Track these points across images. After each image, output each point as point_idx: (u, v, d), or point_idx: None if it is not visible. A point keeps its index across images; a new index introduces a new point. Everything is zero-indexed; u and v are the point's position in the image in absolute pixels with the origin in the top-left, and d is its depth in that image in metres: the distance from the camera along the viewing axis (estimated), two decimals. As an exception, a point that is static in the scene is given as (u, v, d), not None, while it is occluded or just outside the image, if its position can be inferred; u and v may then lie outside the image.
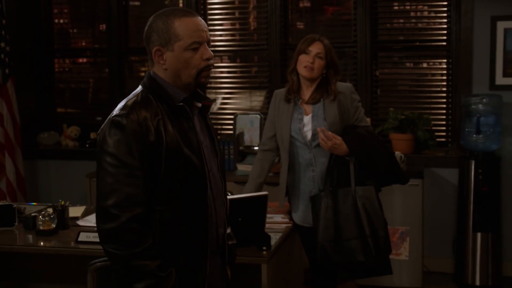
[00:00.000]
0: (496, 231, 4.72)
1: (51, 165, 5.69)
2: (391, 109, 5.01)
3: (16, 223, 3.42)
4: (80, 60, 6.03)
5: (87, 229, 3.27)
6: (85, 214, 3.63)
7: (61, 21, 5.99)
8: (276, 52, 5.29)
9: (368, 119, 3.74)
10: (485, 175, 4.65)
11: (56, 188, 5.64)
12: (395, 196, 4.59)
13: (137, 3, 5.77)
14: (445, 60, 5.10)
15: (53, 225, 3.31)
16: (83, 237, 3.16)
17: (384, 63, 5.28)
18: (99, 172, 2.12)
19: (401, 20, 5.30)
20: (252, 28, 5.52)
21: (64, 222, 3.38)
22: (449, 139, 5.10)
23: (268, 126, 3.63)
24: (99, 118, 5.81)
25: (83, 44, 5.98)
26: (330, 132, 3.33)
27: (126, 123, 2.09)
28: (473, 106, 4.69)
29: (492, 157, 4.72)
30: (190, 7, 5.36)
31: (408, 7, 5.25)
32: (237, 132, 5.23)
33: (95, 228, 3.10)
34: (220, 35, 5.49)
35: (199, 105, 2.29)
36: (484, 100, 4.68)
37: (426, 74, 5.22)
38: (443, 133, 5.12)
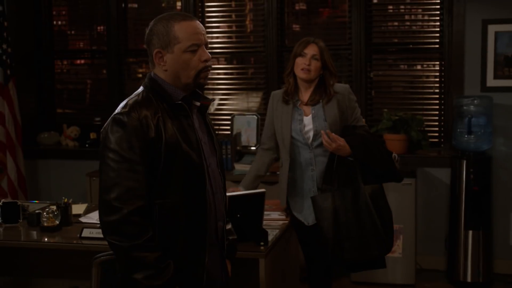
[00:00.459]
0: (487, 229, 4.80)
1: (51, 165, 5.77)
2: (385, 110, 5.08)
3: (21, 220, 3.50)
4: (80, 62, 6.10)
5: (90, 226, 3.35)
6: (87, 211, 3.71)
7: (61, 23, 6.06)
8: (273, 54, 5.38)
9: (363, 120, 3.82)
10: (477, 175, 4.73)
11: (56, 187, 5.71)
12: (389, 195, 4.60)
13: (134, 6, 5.85)
14: (437, 62, 5.18)
15: (57, 222, 3.38)
16: (86, 233, 3.23)
17: (378, 65, 5.36)
18: (102, 167, 2.21)
19: (395, 23, 5.36)
20: (248, 30, 5.60)
21: (68, 219, 3.45)
22: (442, 139, 5.18)
23: (267, 126, 3.70)
24: (97, 119, 5.89)
25: (83, 45, 6.04)
26: (334, 134, 3.40)
27: (127, 121, 2.19)
28: (464, 107, 4.77)
29: (483, 157, 4.80)
30: (188, 9, 5.45)
31: (402, 11, 5.33)
32: (234, 133, 5.32)
33: (98, 225, 3.22)
34: (217, 37, 5.57)
35: (198, 104, 2.38)
36: (476, 101, 4.75)
37: (419, 76, 5.30)
38: (436, 134, 5.20)
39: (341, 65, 5.27)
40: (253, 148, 5.35)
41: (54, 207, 3.45)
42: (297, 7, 5.50)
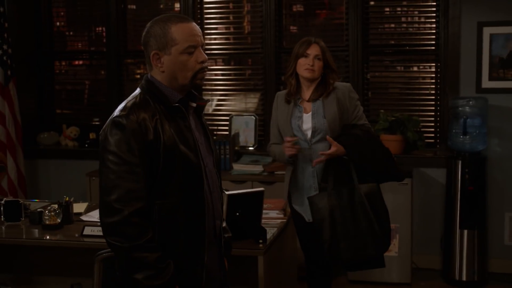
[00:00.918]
0: (482, 228, 4.84)
1: (51, 165, 5.80)
2: (382, 111, 5.12)
3: (23, 218, 3.54)
4: (79, 62, 6.14)
5: (91, 224, 3.40)
6: (88, 210, 3.76)
7: (61, 24, 6.10)
8: (271, 55, 5.42)
9: (365, 119, 3.81)
10: (472, 175, 4.77)
11: (56, 187, 5.74)
12: (385, 194, 4.60)
13: (133, 7, 5.88)
14: (433, 64, 5.22)
15: (59, 220, 3.43)
16: (87, 231, 3.29)
17: (375, 66, 5.40)
18: (102, 169, 2.25)
19: (392, 25, 5.40)
20: (246, 31, 5.65)
21: (69, 217, 3.51)
22: (437, 140, 5.22)
23: (273, 126, 3.79)
24: (96, 120, 5.94)
25: (82, 46, 6.07)
26: (330, 151, 3.48)
27: (126, 123, 2.22)
28: (460, 108, 4.81)
29: (478, 157, 4.84)
30: (187, 10, 5.49)
31: (398, 13, 5.38)
32: (232, 133, 5.37)
33: (99, 223, 3.27)
34: (215, 39, 5.62)
35: (194, 105, 2.42)
36: (471, 102, 4.79)
37: (415, 77, 5.34)
38: (432, 134, 5.25)
39: (338, 66, 5.27)
40: (251, 148, 5.40)
41: (56, 206, 3.50)
42: (294, 9, 5.54)
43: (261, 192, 3.24)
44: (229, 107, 5.64)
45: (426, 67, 5.33)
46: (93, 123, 5.95)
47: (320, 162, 3.52)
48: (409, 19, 5.38)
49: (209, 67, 2.45)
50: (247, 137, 5.43)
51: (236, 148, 5.33)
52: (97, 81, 6.01)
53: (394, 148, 4.89)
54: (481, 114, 4.82)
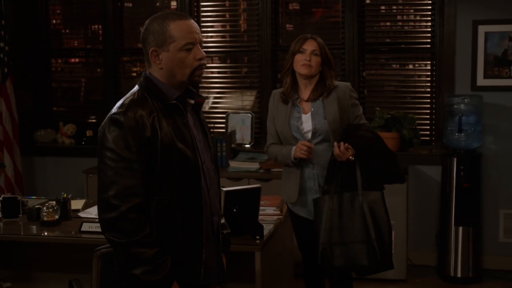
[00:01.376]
0: (477, 225, 4.87)
1: (48, 162, 5.82)
2: (377, 108, 5.13)
3: (21, 215, 3.56)
4: (76, 60, 6.15)
5: (89, 220, 3.42)
6: (86, 206, 3.78)
7: (57, 21, 6.10)
8: (267, 53, 5.44)
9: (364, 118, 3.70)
10: (467, 172, 4.80)
11: (53, 184, 5.76)
12: None
13: (129, 5, 5.89)
14: (429, 62, 5.25)
15: (57, 216, 3.46)
16: (85, 227, 3.31)
17: (371, 64, 5.42)
18: (100, 166, 2.27)
19: (388, 23, 5.43)
20: (242, 30, 5.67)
21: (67, 214, 3.53)
22: (433, 138, 5.25)
23: (270, 125, 3.63)
24: (93, 117, 5.95)
25: (78, 44, 6.08)
26: (345, 145, 3.30)
27: (124, 120, 2.24)
28: (455, 106, 4.83)
29: (473, 154, 4.86)
30: (183, 8, 5.51)
31: (394, 11, 5.41)
32: (229, 130, 5.39)
33: (96, 219, 3.29)
34: (211, 37, 5.63)
35: (192, 102, 2.44)
36: (466, 100, 4.82)
37: (411, 75, 5.36)
38: (427, 132, 5.28)
39: (334, 64, 5.31)
40: (247, 145, 5.43)
41: (54, 202, 3.52)
42: (290, 7, 5.56)
43: (258, 189, 3.27)
44: (225, 104, 5.66)
45: (421, 65, 5.36)
46: (90, 120, 5.97)
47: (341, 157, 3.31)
48: (404, 17, 5.40)
49: (206, 65, 2.47)
50: (244, 135, 5.45)
51: (233, 145, 5.35)
52: (93, 78, 6.03)
53: (389, 146, 4.86)
54: (476, 111, 4.85)
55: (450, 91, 5.06)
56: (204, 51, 2.39)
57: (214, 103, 5.69)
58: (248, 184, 4.64)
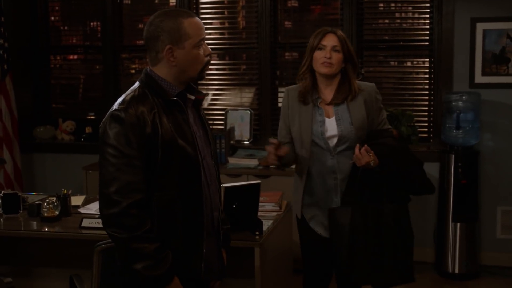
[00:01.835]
0: (474, 222, 4.90)
1: (47, 158, 5.83)
2: (376, 105, 5.17)
3: (21, 211, 3.58)
4: (75, 57, 6.15)
5: (89, 216, 3.44)
6: (86, 202, 3.80)
7: (54, 18, 6.10)
8: (266, 50, 5.46)
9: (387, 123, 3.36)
10: (464, 169, 4.82)
11: (52, 180, 5.77)
12: None
13: (128, 2, 5.89)
14: (427, 59, 5.27)
15: (57, 212, 3.47)
16: (86, 223, 3.33)
17: (369, 61, 5.44)
18: (101, 162, 2.28)
19: (386, 21, 5.45)
20: (241, 27, 5.68)
21: (67, 210, 3.55)
22: (431, 134, 5.28)
23: (282, 126, 3.26)
24: (92, 114, 5.96)
25: (76, 41, 6.08)
26: (366, 147, 2.96)
27: (125, 117, 2.25)
28: (453, 103, 4.86)
29: (471, 151, 4.89)
30: (183, 5, 5.52)
31: (392, 8, 5.42)
32: (228, 127, 5.41)
33: (96, 215, 3.31)
34: (210, 34, 5.64)
35: (193, 98, 2.46)
36: (464, 97, 4.84)
37: (409, 73, 5.38)
38: (425, 129, 5.30)
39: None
40: (246, 142, 5.45)
41: (54, 198, 3.53)
42: (289, 4, 5.58)
43: (258, 185, 3.28)
44: (224, 101, 5.68)
45: (419, 62, 5.37)
46: (89, 117, 5.98)
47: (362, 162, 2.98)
48: (403, 14, 5.42)
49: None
50: (243, 131, 5.47)
51: (232, 142, 5.37)
52: (92, 75, 6.04)
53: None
54: (474, 108, 4.87)
55: (448, 88, 5.08)
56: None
57: (213, 100, 5.70)
58: (247, 181, 4.65)
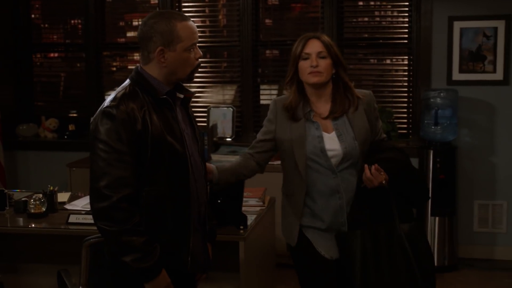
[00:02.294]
0: (452, 216, 4.99)
1: (31, 156, 5.83)
2: (356, 102, 5.23)
3: (7, 207, 3.60)
4: (57, 55, 6.15)
5: (76, 212, 3.47)
6: (72, 199, 3.83)
7: (35, 16, 6.09)
8: (248, 48, 5.51)
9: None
10: (443, 164, 4.91)
11: (35, 178, 5.78)
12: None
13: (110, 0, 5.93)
14: (406, 57, 5.35)
15: (43, 209, 3.49)
16: (72, 218, 3.36)
17: (349, 59, 5.47)
18: (92, 157, 2.34)
19: (366, 19, 5.51)
20: (221, 25, 5.72)
21: (53, 206, 3.57)
22: (410, 131, 5.36)
23: (264, 133, 2.96)
24: (73, 112, 5.96)
25: (57, 39, 6.08)
26: (376, 166, 2.69)
27: (116, 113, 2.30)
28: (431, 100, 4.94)
29: (449, 147, 4.98)
30: (165, 3, 5.54)
31: (372, 7, 5.49)
32: (210, 124, 5.45)
33: (83, 211, 3.35)
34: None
35: (182, 96, 2.52)
36: (442, 94, 4.93)
37: (388, 70, 5.46)
38: (405, 125, 5.38)
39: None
40: (228, 139, 5.50)
41: (40, 195, 3.56)
42: (269, 2, 5.62)
43: (242, 181, 3.33)
44: (206, 99, 5.72)
45: (398, 60, 5.45)
46: (71, 115, 5.97)
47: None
48: (382, 13, 5.49)
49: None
50: (225, 129, 5.52)
51: (214, 139, 5.41)
52: (74, 73, 6.02)
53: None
54: (452, 105, 4.96)
55: (427, 85, 5.17)
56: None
57: (195, 97, 5.74)
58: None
